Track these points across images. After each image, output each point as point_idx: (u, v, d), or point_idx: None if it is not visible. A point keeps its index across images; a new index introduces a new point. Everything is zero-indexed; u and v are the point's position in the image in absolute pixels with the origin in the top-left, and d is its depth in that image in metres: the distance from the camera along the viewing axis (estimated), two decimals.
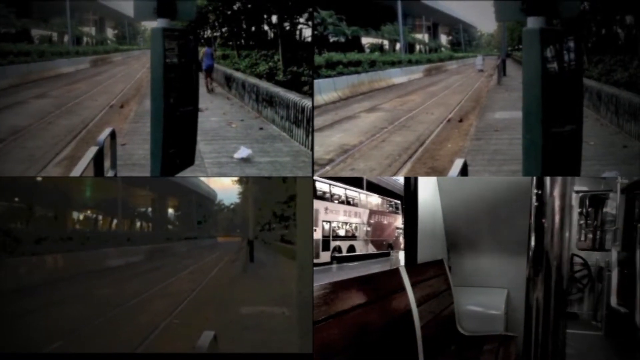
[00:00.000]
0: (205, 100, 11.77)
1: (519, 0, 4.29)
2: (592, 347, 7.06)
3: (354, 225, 21.01)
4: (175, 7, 4.85)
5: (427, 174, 8.14)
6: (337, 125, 11.12)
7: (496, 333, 5.13)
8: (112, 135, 5.55)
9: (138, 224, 27.27)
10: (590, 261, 8.82)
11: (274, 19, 13.92)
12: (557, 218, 1.39)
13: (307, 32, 14.00)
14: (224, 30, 14.72)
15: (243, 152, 8.24)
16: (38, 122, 9.83)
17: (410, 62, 19.00)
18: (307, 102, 9.39)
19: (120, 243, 18.26)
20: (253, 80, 12.27)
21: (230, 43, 14.59)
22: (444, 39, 21.55)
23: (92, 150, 5.05)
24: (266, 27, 14.41)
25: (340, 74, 15.04)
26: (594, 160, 7.87)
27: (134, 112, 10.88)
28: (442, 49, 21.26)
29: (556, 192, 1.39)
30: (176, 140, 5.09)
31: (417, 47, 20.56)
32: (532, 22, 4.26)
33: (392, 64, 18.05)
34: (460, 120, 11.28)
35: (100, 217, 22.40)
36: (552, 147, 4.26)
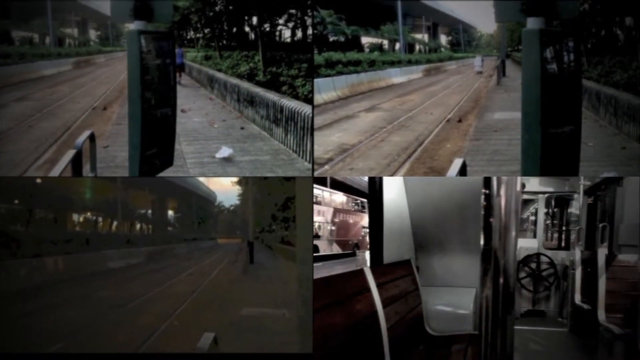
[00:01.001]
0: (188, 101, 12.00)
1: (519, 0, 4.29)
2: (557, 343, 7.21)
3: (317, 224, 20.80)
4: (152, 9, 4.83)
5: (426, 174, 8.16)
6: (336, 124, 11.13)
7: (465, 332, 5.08)
8: (92, 137, 5.38)
9: (138, 225, 27.25)
10: (556, 260, 9.01)
11: (255, 20, 14.05)
12: (503, 217, 1.41)
13: (287, 33, 14.18)
14: (206, 31, 14.86)
15: (224, 151, 8.36)
16: (18, 126, 9.74)
17: (409, 62, 19.01)
18: (285, 102, 9.58)
19: (120, 245, 18.27)
20: (234, 80, 12.44)
21: (213, 44, 14.72)
22: (443, 39, 21.58)
23: (70, 154, 4.91)
24: (247, 29, 14.58)
25: (340, 73, 15.05)
26: (593, 161, 7.89)
27: (117, 114, 10.80)
28: (442, 49, 21.28)
29: (503, 192, 1.40)
30: (154, 142, 5.07)
31: (417, 47, 20.58)
32: (532, 23, 4.26)
33: (392, 63, 18.07)
34: (460, 121, 11.29)
35: (100, 219, 22.38)
36: (550, 147, 4.26)
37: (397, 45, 19.19)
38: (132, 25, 4.81)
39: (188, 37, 15.41)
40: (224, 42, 14.75)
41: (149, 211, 28.44)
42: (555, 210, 10.45)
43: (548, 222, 10.28)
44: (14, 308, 8.12)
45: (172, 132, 5.45)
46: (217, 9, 14.24)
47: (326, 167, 8.29)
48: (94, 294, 10.00)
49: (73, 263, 12.91)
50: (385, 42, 19.28)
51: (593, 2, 12.31)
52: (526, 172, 4.33)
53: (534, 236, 9.74)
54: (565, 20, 4.76)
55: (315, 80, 13.10)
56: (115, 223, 22.49)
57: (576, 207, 9.27)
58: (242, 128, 10.24)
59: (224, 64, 13.78)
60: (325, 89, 14.00)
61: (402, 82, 17.74)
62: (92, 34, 17.01)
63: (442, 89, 16.30)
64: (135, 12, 4.79)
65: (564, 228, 10.24)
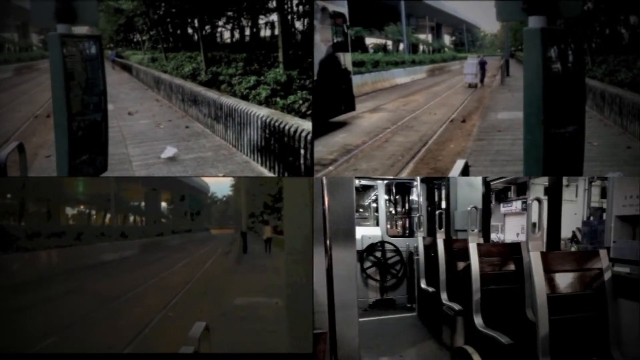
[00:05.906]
0: (135, 103, 12.26)
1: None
2: (406, 327, 7.41)
3: None
4: (75, 11, 4.62)
5: (430, 175, 8.19)
6: (340, 125, 11.12)
7: (322, 331, 5.04)
8: (20, 149, 4.93)
9: (132, 218, 27.37)
10: (401, 247, 9.06)
11: (197, 22, 14.28)
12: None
13: (226, 34, 14.51)
14: (152, 33, 15.07)
15: (169, 151, 8.48)
16: None
17: (413, 63, 18.99)
18: (225, 100, 9.91)
19: (114, 237, 18.35)
20: (179, 81, 12.72)
21: (159, 46, 14.91)
22: (447, 39, 21.55)
23: None
24: (190, 31, 14.80)
25: None
26: (598, 161, 7.85)
27: None
28: (446, 49, 21.24)
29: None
30: (85, 149, 4.96)
31: (421, 47, 20.56)
32: (534, 22, 4.25)
33: (396, 64, 18.05)
34: (463, 121, 11.26)
35: (93, 212, 22.43)
36: (553, 147, 4.25)
37: (401, 46, 19.18)
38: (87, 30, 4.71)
39: (135, 39, 15.56)
40: (170, 44, 15.02)
41: (142, 203, 28.63)
42: (397, 197, 10.50)
43: (391, 209, 10.30)
44: (8, 302, 8.16)
45: (104, 137, 5.31)
46: (160, 12, 14.42)
47: (330, 167, 8.29)
48: (88, 287, 10.06)
49: (67, 256, 12.96)
50: (389, 43, 19.28)
51: (597, 1, 12.25)
52: (529, 172, 4.32)
53: (377, 224, 9.62)
54: (569, 19, 4.74)
55: None
56: (108, 216, 22.57)
57: (417, 195, 9.40)
58: (186, 127, 10.57)
59: (169, 66, 14.05)
60: None
61: (406, 83, 17.72)
62: (35, 38, 15.76)
63: (445, 89, 16.27)
64: (57, 15, 4.58)
65: (407, 215, 10.34)
